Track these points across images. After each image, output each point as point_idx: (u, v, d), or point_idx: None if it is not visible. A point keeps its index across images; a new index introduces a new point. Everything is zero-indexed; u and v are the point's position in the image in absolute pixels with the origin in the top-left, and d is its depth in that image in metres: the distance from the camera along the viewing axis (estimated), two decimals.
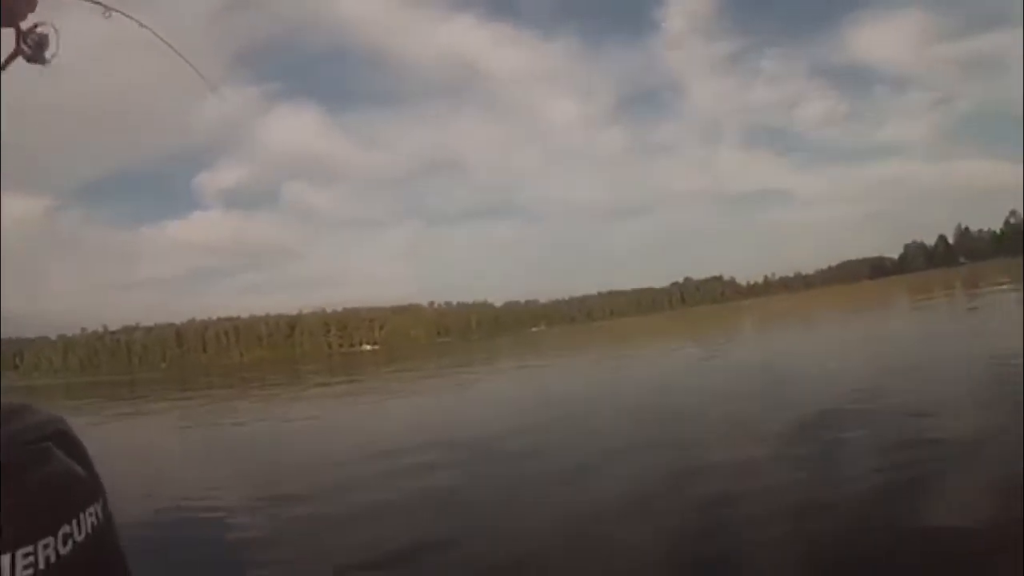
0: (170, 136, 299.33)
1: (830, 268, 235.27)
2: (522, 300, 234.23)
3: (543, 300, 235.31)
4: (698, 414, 12.83)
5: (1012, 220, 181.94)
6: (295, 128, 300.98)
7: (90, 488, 1.30)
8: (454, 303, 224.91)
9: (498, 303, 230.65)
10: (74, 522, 1.20)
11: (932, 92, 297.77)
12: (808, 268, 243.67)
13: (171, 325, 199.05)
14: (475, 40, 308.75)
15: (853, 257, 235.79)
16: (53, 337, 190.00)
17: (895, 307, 43.68)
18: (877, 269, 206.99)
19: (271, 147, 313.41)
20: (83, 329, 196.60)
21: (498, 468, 10.13)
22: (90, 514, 1.24)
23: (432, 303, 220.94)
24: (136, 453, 15.79)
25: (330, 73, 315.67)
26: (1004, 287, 36.84)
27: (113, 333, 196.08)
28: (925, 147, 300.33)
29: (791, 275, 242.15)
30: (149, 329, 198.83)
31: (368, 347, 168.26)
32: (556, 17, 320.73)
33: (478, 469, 10.30)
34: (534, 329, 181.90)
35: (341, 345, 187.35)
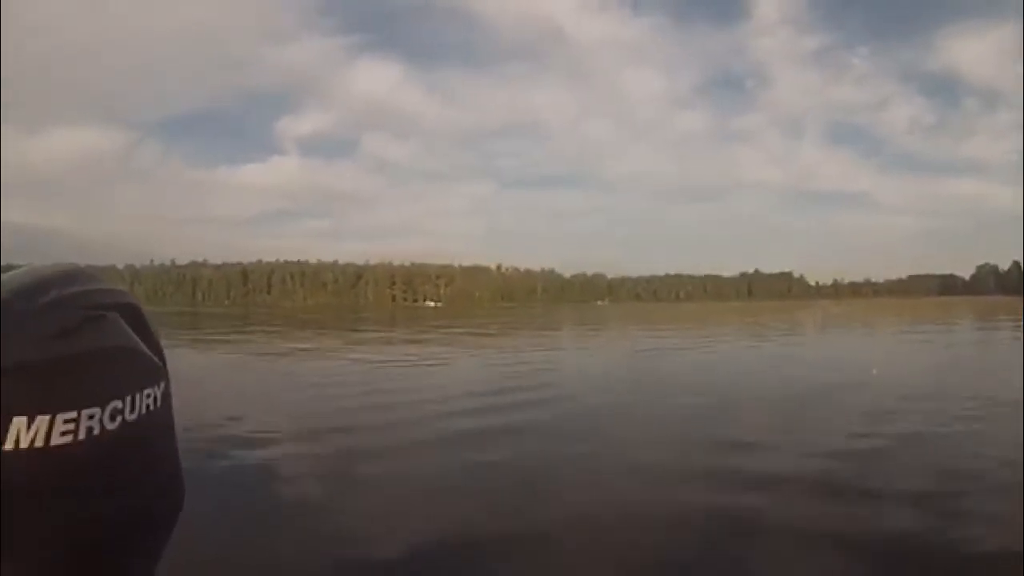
0: (253, 79, 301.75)
1: (899, 280, 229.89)
2: (589, 273, 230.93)
3: (610, 275, 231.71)
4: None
5: None
6: (377, 79, 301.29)
7: (152, 369, 1.28)
8: (521, 268, 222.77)
9: (565, 273, 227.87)
10: (127, 399, 1.18)
11: (1018, 111, 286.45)
12: (878, 276, 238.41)
13: (238, 264, 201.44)
14: (562, 5, 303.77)
15: (924, 272, 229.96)
16: (121, 267, 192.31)
17: (958, 327, 41.94)
18: (947, 287, 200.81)
19: (352, 97, 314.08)
20: (152, 261, 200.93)
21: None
22: (147, 395, 1.22)
23: (499, 266, 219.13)
24: (189, 378, 14.41)
25: (415, 27, 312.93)
26: None
27: (181, 267, 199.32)
28: (1008, 168, 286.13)
29: (860, 280, 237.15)
30: (217, 266, 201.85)
31: (431, 304, 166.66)
32: None
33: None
34: (599, 303, 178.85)
35: (405, 299, 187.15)
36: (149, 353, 1.35)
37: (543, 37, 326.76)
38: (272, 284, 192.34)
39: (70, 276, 1.29)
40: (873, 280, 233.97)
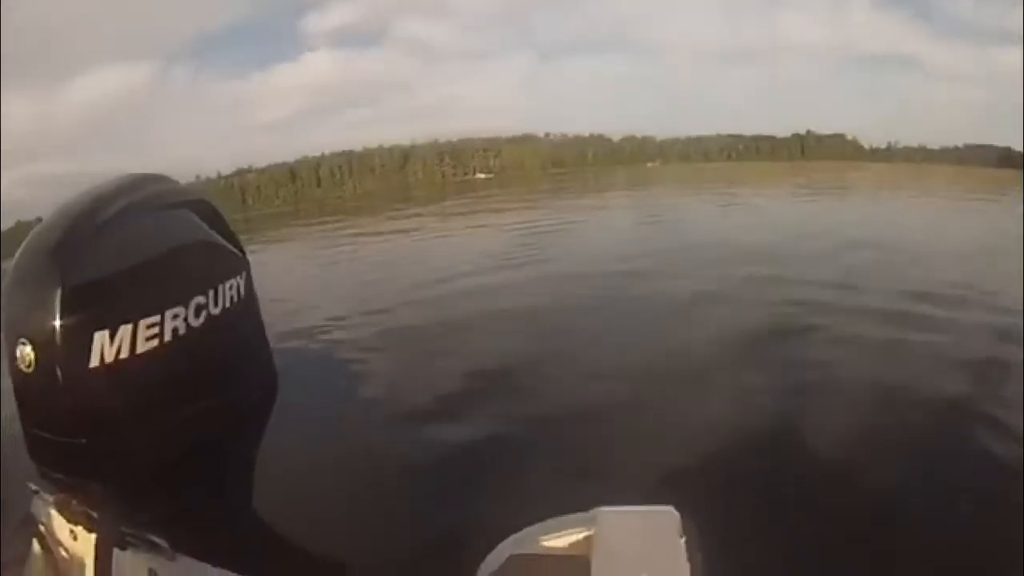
0: None
1: (955, 147, 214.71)
2: (638, 135, 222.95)
3: (660, 137, 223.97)
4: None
5: None
6: None
7: (231, 260, 1.54)
8: (570, 135, 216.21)
9: (615, 137, 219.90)
10: (210, 293, 1.39)
11: None
12: (933, 143, 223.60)
13: (284, 164, 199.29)
14: None
15: (979, 142, 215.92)
16: None
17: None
18: (1004, 159, 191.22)
19: None
20: (196, 176, 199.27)
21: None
22: (230, 287, 1.44)
23: (547, 134, 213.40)
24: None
25: None
26: None
27: (226, 177, 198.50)
28: None
29: (915, 145, 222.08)
30: (262, 170, 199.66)
31: (482, 175, 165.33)
32: None
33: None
34: (649, 165, 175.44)
35: (455, 174, 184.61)
36: (226, 244, 1.62)
37: None
38: (321, 177, 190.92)
39: (136, 183, 1.55)
40: (928, 146, 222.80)
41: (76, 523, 1.59)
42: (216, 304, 1.54)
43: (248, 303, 1.71)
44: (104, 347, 1.41)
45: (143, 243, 1.51)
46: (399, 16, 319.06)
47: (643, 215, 23.08)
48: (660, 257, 12.25)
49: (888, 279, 9.90)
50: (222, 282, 1.59)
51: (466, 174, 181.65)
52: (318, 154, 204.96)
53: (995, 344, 6.76)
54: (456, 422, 5.13)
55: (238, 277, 1.68)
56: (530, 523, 1.78)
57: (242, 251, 1.77)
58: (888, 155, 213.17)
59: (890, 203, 31.49)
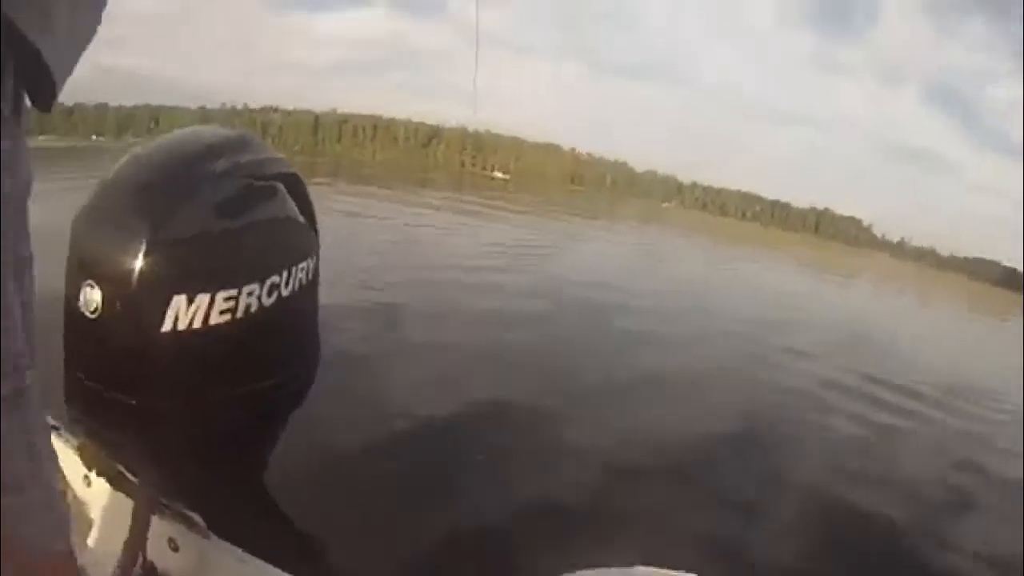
0: None
1: (965, 259, 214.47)
2: (660, 172, 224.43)
3: (681, 178, 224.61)
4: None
5: None
6: None
7: (309, 241, 1.58)
8: (594, 155, 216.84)
9: (637, 168, 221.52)
10: (285, 273, 1.39)
11: None
12: (945, 249, 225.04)
13: (310, 112, 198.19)
14: None
15: (989, 257, 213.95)
16: (193, 108, 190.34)
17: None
18: (1007, 279, 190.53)
19: None
20: (223, 104, 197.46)
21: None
22: (302, 269, 1.45)
23: (573, 148, 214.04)
24: None
25: None
26: None
27: (252, 111, 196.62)
28: None
29: (926, 246, 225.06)
30: (288, 113, 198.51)
31: (500, 175, 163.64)
32: None
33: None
34: (665, 204, 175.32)
35: (474, 166, 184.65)
36: (307, 224, 1.63)
37: None
38: (344, 134, 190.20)
39: (240, 144, 1.54)
40: (938, 251, 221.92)
41: (93, 470, 1.61)
42: (287, 285, 1.54)
43: (313, 286, 1.70)
44: (180, 313, 1.40)
45: (235, 211, 1.51)
46: None
47: (649, 258, 23.32)
48: (651, 299, 12.17)
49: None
50: (297, 263, 1.59)
51: (484, 169, 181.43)
52: (347, 110, 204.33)
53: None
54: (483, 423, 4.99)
55: (311, 259, 1.67)
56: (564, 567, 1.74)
57: (316, 231, 1.77)
58: (899, 249, 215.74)
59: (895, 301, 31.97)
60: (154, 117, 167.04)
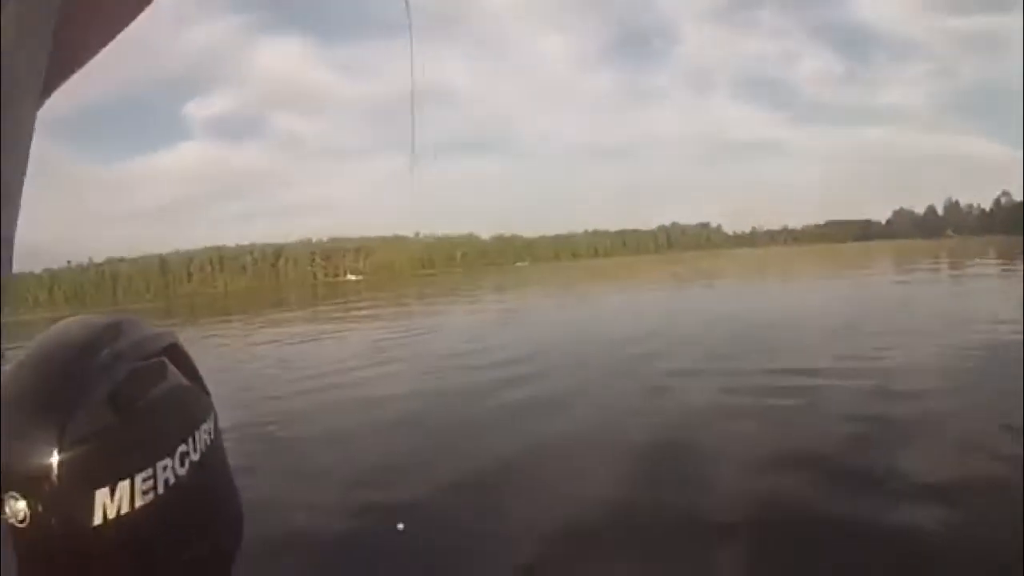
0: (153, 64, 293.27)
1: (817, 226, 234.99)
2: (507, 234, 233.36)
3: (528, 235, 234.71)
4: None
5: (1003, 200, 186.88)
6: (281, 56, 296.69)
7: (203, 403, 1.35)
8: (440, 235, 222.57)
9: (484, 235, 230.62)
10: (190, 440, 1.24)
11: (933, 63, 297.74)
12: (796, 223, 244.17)
13: (156, 256, 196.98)
14: None
15: (841, 217, 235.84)
16: (38, 271, 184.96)
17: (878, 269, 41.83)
18: (864, 232, 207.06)
19: (256, 76, 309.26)
20: (68, 262, 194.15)
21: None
22: (205, 431, 1.28)
23: (417, 234, 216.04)
24: None
25: (318, 2, 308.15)
26: (991, 261, 36.85)
27: (99, 265, 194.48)
28: (920, 117, 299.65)
29: (778, 228, 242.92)
30: (134, 260, 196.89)
31: (352, 277, 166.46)
32: None
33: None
34: (519, 264, 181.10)
35: (326, 275, 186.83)
36: (198, 389, 1.45)
37: (453, 4, 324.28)
38: (192, 272, 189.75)
39: (117, 328, 1.33)
40: (791, 227, 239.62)
41: None
42: (195, 450, 1.36)
43: (217, 443, 1.52)
44: (106, 505, 1.22)
45: (130, 394, 1.36)
46: (276, 110, 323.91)
47: (509, 317, 24.13)
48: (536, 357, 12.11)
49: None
50: (199, 426, 1.43)
51: (336, 275, 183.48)
52: (190, 247, 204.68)
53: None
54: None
55: (209, 420, 1.51)
56: None
57: (207, 391, 1.60)
58: (752, 240, 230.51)
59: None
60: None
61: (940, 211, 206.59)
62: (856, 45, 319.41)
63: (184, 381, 1.33)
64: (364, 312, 33.24)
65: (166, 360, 1.29)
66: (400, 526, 4.43)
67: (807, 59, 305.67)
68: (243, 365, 14.24)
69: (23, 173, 0.70)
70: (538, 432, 6.78)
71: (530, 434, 6.75)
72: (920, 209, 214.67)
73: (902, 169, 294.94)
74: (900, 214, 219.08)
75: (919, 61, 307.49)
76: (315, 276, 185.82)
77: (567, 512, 4.64)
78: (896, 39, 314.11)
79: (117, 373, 1.19)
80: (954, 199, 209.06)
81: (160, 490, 1.16)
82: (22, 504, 1.10)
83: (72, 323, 1.27)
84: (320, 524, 4.77)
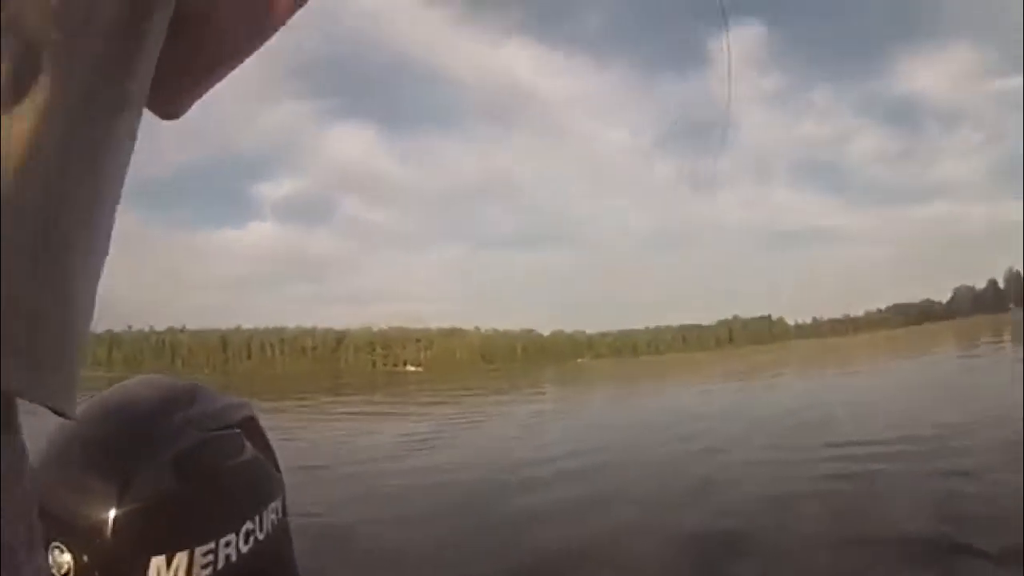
0: (228, 144, 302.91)
1: (879, 311, 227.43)
2: (568, 330, 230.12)
3: (589, 331, 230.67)
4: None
5: None
6: (351, 144, 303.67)
7: (275, 482, 1.43)
8: (500, 329, 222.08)
9: (544, 331, 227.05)
10: (257, 519, 1.29)
11: (985, 130, 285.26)
12: (856, 310, 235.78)
13: (216, 331, 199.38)
14: (528, 64, 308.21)
15: (902, 300, 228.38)
16: (99, 331, 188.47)
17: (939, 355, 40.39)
18: (926, 314, 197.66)
19: (326, 162, 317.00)
20: (129, 327, 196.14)
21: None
22: (272, 510, 1.35)
23: (477, 328, 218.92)
24: None
25: (386, 90, 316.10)
26: None
27: (159, 333, 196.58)
28: (974, 186, 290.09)
29: (840, 316, 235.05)
30: (195, 333, 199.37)
31: (412, 368, 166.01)
32: (609, 45, 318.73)
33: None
34: (579, 360, 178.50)
35: (385, 364, 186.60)
36: (269, 465, 1.45)
37: (513, 97, 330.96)
38: (252, 351, 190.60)
39: (192, 393, 1.41)
40: (852, 315, 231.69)
41: None
42: (261, 529, 1.47)
43: (285, 523, 1.63)
44: (160, 574, 1.35)
45: (198, 464, 1.44)
46: (345, 195, 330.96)
47: (573, 419, 22.99)
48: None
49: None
50: (266, 505, 1.52)
51: (395, 365, 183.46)
52: (251, 326, 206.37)
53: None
54: None
55: (278, 499, 1.60)
56: None
57: (279, 469, 1.69)
58: (815, 330, 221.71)
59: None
60: None
61: (1001, 283, 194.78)
62: (907, 117, 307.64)
63: (258, 455, 1.49)
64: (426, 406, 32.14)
65: (240, 433, 1.43)
66: None
67: (860, 139, 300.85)
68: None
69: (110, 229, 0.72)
70: (591, 526, 6.86)
71: (583, 527, 6.83)
72: (981, 283, 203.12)
73: (960, 243, 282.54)
74: (960, 291, 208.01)
75: (970, 129, 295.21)
76: (374, 364, 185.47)
77: None
78: (944, 108, 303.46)
79: (188, 439, 1.35)
80: (1014, 269, 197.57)
81: (220, 566, 1.28)
82: (67, 557, 1.25)
83: (150, 380, 1.48)
84: None
